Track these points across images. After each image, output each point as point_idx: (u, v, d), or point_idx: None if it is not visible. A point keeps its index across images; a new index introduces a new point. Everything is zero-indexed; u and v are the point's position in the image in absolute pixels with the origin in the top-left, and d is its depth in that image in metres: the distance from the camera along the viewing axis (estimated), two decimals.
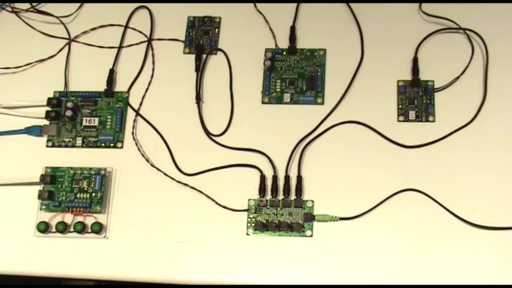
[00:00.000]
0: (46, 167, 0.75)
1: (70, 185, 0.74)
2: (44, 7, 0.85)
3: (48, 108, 0.78)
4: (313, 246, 0.70)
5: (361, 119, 0.75)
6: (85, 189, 0.74)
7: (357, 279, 0.68)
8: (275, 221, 0.71)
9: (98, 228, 0.72)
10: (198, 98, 0.78)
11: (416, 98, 0.75)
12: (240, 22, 0.82)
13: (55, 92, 0.79)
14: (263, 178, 0.73)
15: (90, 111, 0.78)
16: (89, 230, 0.72)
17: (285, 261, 0.70)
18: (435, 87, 0.76)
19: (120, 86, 0.80)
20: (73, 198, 0.73)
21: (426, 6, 0.79)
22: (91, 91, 0.79)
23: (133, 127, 0.77)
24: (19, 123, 0.78)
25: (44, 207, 0.74)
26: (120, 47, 0.82)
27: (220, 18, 0.82)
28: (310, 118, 0.75)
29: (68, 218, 0.73)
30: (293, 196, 0.72)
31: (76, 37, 0.83)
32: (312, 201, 0.72)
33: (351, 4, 0.81)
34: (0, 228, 0.73)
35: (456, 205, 0.70)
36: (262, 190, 0.72)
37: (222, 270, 0.70)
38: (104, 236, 0.72)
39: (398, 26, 0.79)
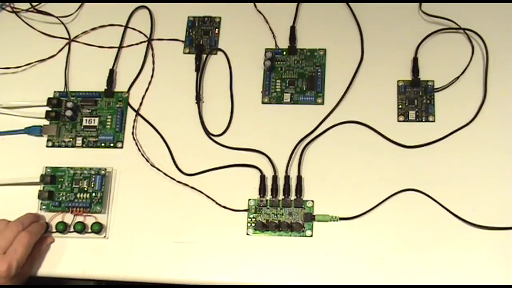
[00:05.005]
0: (46, 167, 0.75)
1: (70, 185, 0.74)
2: (44, 7, 0.85)
3: (48, 108, 0.78)
4: (313, 246, 0.70)
5: (361, 119, 0.75)
6: (85, 189, 0.74)
7: (357, 279, 0.68)
8: (275, 221, 0.71)
9: (98, 228, 0.72)
10: (198, 98, 0.78)
11: (416, 98, 0.75)
12: (240, 22, 0.82)
13: (55, 92, 0.79)
14: (263, 178, 0.73)
15: (90, 111, 0.78)
16: (89, 230, 0.72)
17: (285, 261, 0.70)
18: (435, 87, 0.76)
19: (120, 86, 0.80)
20: (73, 198, 0.73)
21: (426, 6, 0.79)
22: (91, 91, 0.79)
23: (133, 127, 0.77)
24: (19, 123, 0.78)
25: (44, 207, 0.74)
26: (120, 47, 0.82)
27: (220, 18, 0.82)
28: (310, 118, 0.75)
29: (68, 218, 0.73)
30: (293, 196, 0.72)
31: (76, 37, 0.83)
32: (312, 201, 0.72)
33: (351, 4, 0.81)
34: None
35: (456, 205, 0.70)
36: (262, 190, 0.72)
37: (222, 270, 0.70)
38: (104, 236, 0.72)
39: (398, 26, 0.79)
